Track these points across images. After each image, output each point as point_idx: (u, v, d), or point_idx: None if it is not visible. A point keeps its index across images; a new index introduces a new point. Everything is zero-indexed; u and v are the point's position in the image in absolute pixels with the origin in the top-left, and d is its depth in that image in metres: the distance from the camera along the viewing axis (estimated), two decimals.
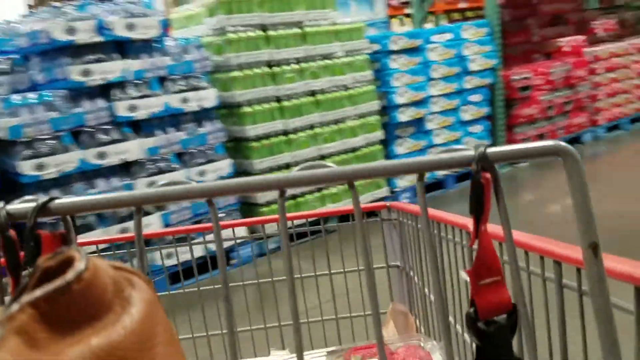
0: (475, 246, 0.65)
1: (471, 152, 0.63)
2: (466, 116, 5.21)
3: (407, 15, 7.82)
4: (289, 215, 1.55)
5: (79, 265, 0.38)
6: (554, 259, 0.85)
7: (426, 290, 1.65)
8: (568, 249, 0.81)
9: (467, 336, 1.22)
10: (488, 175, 0.63)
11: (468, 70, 5.16)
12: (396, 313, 1.48)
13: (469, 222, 1.23)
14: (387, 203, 1.81)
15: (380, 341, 0.68)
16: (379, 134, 4.70)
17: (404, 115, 4.83)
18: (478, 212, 0.62)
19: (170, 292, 1.67)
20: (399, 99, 4.77)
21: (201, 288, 1.57)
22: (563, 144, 0.60)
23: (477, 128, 5.32)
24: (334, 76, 4.40)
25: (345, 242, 1.58)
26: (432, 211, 1.45)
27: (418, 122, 4.96)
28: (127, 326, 0.38)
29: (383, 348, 0.69)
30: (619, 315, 0.66)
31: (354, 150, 4.58)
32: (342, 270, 1.61)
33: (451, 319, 1.30)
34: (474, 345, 0.68)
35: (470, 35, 5.18)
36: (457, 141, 5.09)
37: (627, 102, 6.38)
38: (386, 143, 4.81)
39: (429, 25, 6.28)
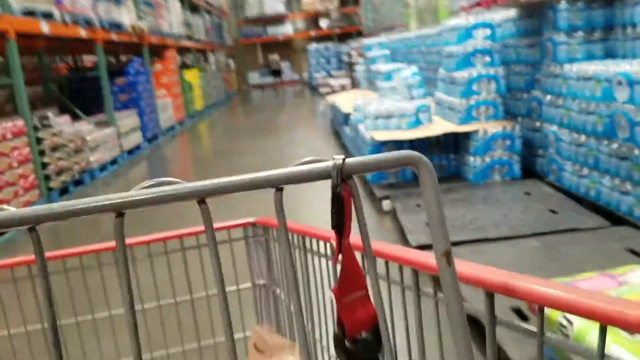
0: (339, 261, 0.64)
1: (330, 164, 0.61)
2: None
3: None
4: (134, 239, 1.42)
5: None
6: (412, 267, 0.88)
7: (292, 308, 1.63)
8: (425, 256, 0.84)
9: (333, 352, 1.21)
10: (349, 187, 0.62)
11: None
12: (263, 334, 1.43)
13: (333, 235, 1.23)
14: (252, 220, 1.76)
15: None
16: None
17: None
18: (340, 226, 0.60)
19: None
20: None
21: None
22: (417, 154, 0.61)
23: None
24: None
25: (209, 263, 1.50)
26: (296, 225, 1.43)
27: None
28: None
29: None
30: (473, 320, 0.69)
31: None
32: (204, 294, 1.53)
33: (317, 334, 1.29)
34: None
35: None
36: None
37: (15, 196, 4.99)
38: None
39: None
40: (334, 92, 12.84)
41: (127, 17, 8.38)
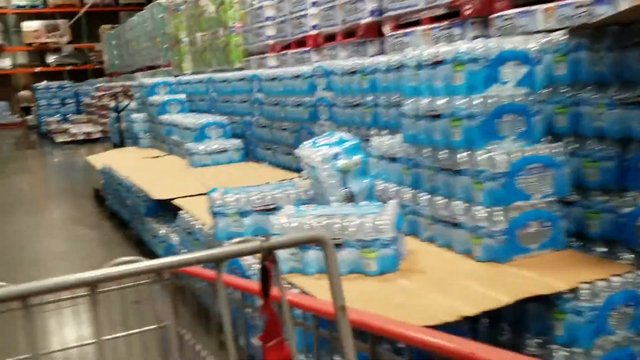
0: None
1: (257, 243, 0.81)
2: None
3: None
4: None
5: None
6: (315, 313, 1.09)
7: (197, 347, 1.76)
8: (329, 306, 1.06)
9: None
10: (272, 258, 0.82)
11: None
12: None
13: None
14: None
15: None
16: None
17: None
18: (266, 291, 0.80)
19: None
20: None
21: None
22: (324, 235, 0.83)
23: None
24: None
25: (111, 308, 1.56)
26: (226, 277, 1.56)
27: None
28: None
29: None
30: None
31: None
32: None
33: None
34: None
35: None
36: None
37: None
38: None
39: None
40: (76, 141, 10.43)
41: None
